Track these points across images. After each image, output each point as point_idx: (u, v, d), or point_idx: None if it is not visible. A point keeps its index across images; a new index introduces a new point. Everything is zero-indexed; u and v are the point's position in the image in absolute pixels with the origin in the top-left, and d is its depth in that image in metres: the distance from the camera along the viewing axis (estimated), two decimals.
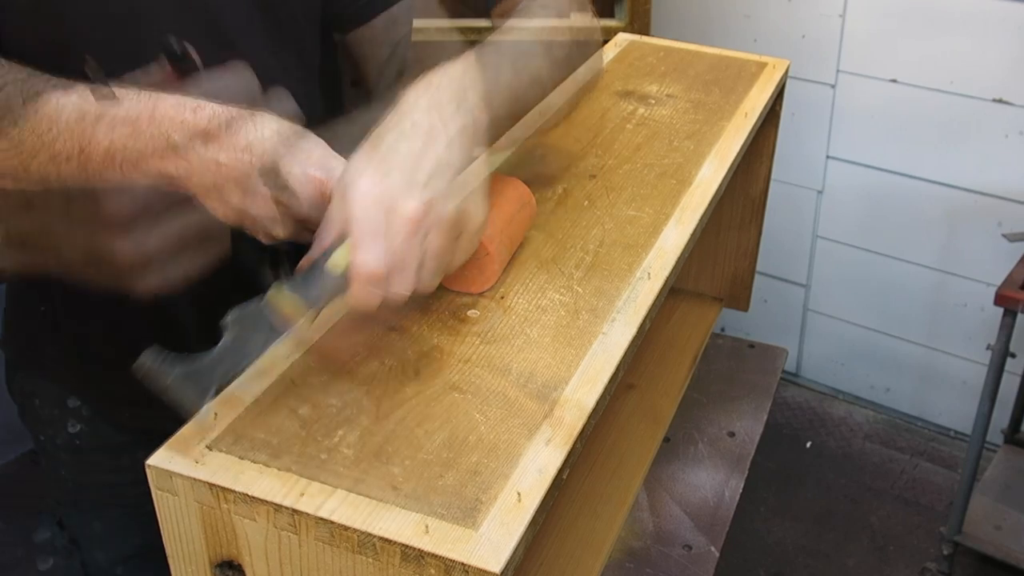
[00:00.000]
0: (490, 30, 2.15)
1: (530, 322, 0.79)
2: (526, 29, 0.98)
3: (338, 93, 1.10)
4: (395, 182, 0.68)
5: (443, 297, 0.82)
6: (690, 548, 1.15)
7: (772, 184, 1.42)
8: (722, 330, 2.80)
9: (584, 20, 1.01)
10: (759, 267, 1.53)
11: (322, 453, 0.65)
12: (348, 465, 0.64)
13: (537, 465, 0.65)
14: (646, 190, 1.00)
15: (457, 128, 0.74)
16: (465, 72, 0.80)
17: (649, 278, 0.85)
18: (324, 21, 1.04)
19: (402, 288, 0.68)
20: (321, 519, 0.60)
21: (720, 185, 1.02)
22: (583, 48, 1.00)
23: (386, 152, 0.70)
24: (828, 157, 2.62)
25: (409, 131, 0.72)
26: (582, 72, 1.27)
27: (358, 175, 0.68)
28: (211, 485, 0.62)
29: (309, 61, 1.02)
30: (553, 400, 0.71)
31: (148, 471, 0.64)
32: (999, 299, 1.93)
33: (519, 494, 0.63)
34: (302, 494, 0.62)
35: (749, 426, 1.35)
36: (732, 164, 1.07)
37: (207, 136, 0.70)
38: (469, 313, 0.80)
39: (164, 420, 0.67)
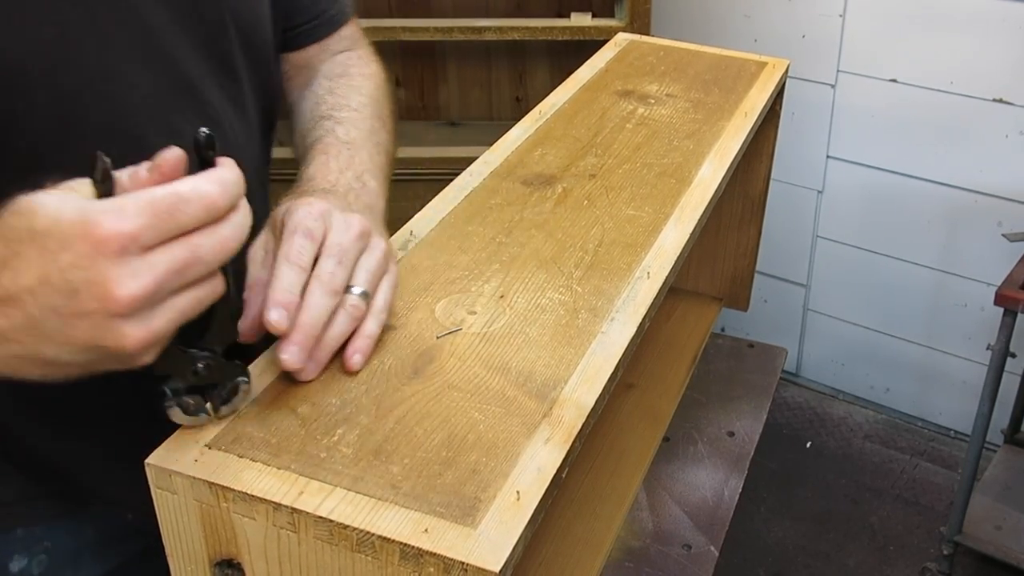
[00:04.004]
0: (490, 30, 2.14)
1: (529, 321, 0.79)
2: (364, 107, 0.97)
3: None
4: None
5: (442, 296, 0.82)
6: (689, 548, 1.15)
7: (772, 184, 1.42)
8: (722, 330, 2.80)
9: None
10: (759, 267, 1.54)
11: (321, 452, 0.65)
12: (347, 464, 0.64)
13: (536, 464, 0.65)
14: (646, 189, 1.00)
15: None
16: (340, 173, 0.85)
17: (648, 277, 0.85)
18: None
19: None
20: (320, 518, 0.60)
21: (720, 185, 1.02)
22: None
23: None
24: (828, 157, 2.62)
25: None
26: (583, 71, 1.27)
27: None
28: (210, 484, 0.62)
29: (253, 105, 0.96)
30: (552, 399, 0.71)
31: (147, 469, 0.64)
32: (999, 299, 1.92)
33: (518, 493, 0.63)
34: (301, 493, 0.62)
35: (749, 426, 1.35)
36: (732, 164, 1.07)
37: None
38: (468, 312, 0.80)
39: None
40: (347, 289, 0.72)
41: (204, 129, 0.59)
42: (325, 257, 0.70)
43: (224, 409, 0.67)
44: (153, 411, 0.66)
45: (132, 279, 0.54)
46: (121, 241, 0.54)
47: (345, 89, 0.98)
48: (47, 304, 0.55)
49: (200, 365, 0.65)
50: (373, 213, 0.82)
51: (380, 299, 0.75)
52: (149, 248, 0.55)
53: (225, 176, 0.58)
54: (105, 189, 0.57)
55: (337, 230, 0.73)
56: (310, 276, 0.70)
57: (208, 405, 0.66)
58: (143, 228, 0.54)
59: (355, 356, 0.72)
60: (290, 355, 0.67)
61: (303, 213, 0.72)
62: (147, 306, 0.56)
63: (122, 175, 0.58)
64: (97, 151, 0.57)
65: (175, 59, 0.80)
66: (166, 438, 0.66)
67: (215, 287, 0.61)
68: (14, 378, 0.59)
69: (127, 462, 0.70)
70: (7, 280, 0.55)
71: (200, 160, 0.59)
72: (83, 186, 0.57)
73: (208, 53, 0.84)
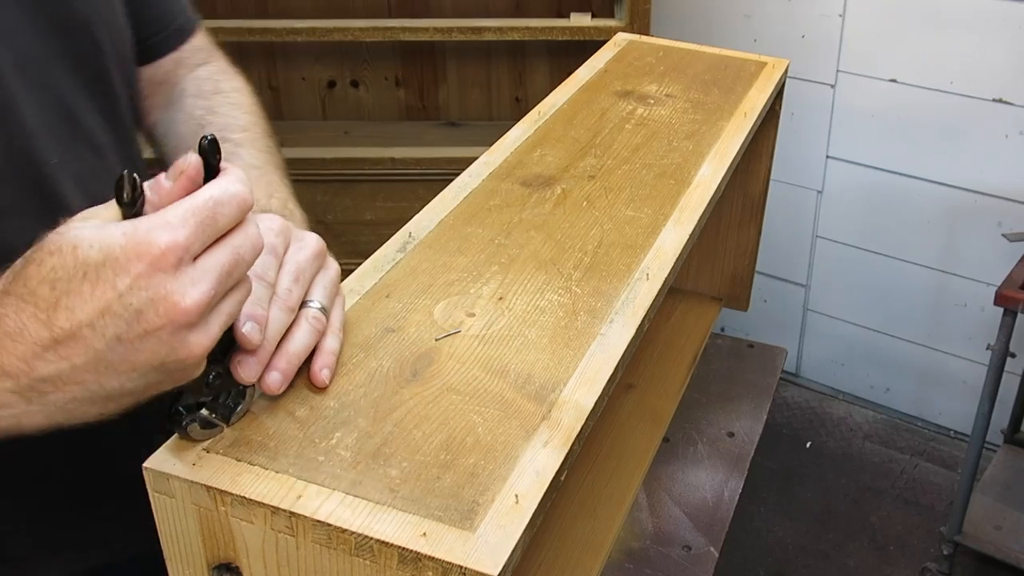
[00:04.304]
0: (490, 30, 2.14)
1: (528, 323, 0.79)
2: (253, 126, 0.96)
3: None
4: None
5: (441, 298, 0.81)
6: (689, 548, 1.14)
7: (772, 184, 1.42)
8: (722, 330, 2.80)
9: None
10: (759, 267, 1.53)
11: (319, 455, 0.65)
12: (345, 467, 0.64)
13: (535, 467, 0.65)
14: (645, 190, 0.99)
15: None
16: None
17: (648, 279, 0.85)
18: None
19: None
20: (318, 522, 0.60)
21: (719, 185, 1.02)
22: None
23: None
24: (828, 157, 2.62)
25: None
26: (583, 72, 1.27)
27: None
28: (208, 487, 0.62)
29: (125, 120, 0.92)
30: (551, 401, 0.71)
31: (145, 473, 0.64)
32: (999, 299, 1.92)
33: (517, 496, 0.62)
34: (299, 496, 0.61)
35: (749, 426, 1.35)
36: (731, 164, 1.07)
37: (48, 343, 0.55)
38: (467, 314, 0.80)
39: None
40: (306, 303, 0.72)
41: (208, 134, 0.59)
42: (283, 274, 0.70)
43: (234, 417, 0.67)
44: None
45: (193, 288, 0.55)
46: (177, 253, 0.54)
47: (226, 108, 0.96)
48: (111, 334, 0.54)
49: (212, 375, 0.64)
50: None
51: (335, 318, 0.74)
52: (197, 256, 0.56)
53: (243, 176, 0.59)
54: (133, 209, 0.56)
55: (296, 247, 0.72)
56: None
57: (214, 416, 0.66)
58: (192, 237, 0.55)
59: (323, 371, 0.71)
60: (246, 368, 0.66)
61: (264, 228, 0.70)
62: (208, 312, 0.57)
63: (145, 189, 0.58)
64: (123, 172, 0.56)
65: (54, 86, 0.80)
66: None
67: (249, 287, 0.61)
68: (62, 426, 0.58)
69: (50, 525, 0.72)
70: (63, 320, 0.54)
71: (206, 166, 0.59)
72: (107, 210, 0.57)
73: (85, 77, 0.83)
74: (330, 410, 0.69)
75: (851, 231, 2.68)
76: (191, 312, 0.55)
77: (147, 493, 0.65)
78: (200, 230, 0.55)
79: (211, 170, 0.59)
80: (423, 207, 0.95)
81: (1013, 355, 2.03)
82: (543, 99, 1.18)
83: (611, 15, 2.23)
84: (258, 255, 0.60)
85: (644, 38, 1.39)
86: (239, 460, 0.64)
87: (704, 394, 1.40)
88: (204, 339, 0.57)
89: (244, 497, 0.61)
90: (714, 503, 1.21)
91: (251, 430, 0.67)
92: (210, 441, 0.65)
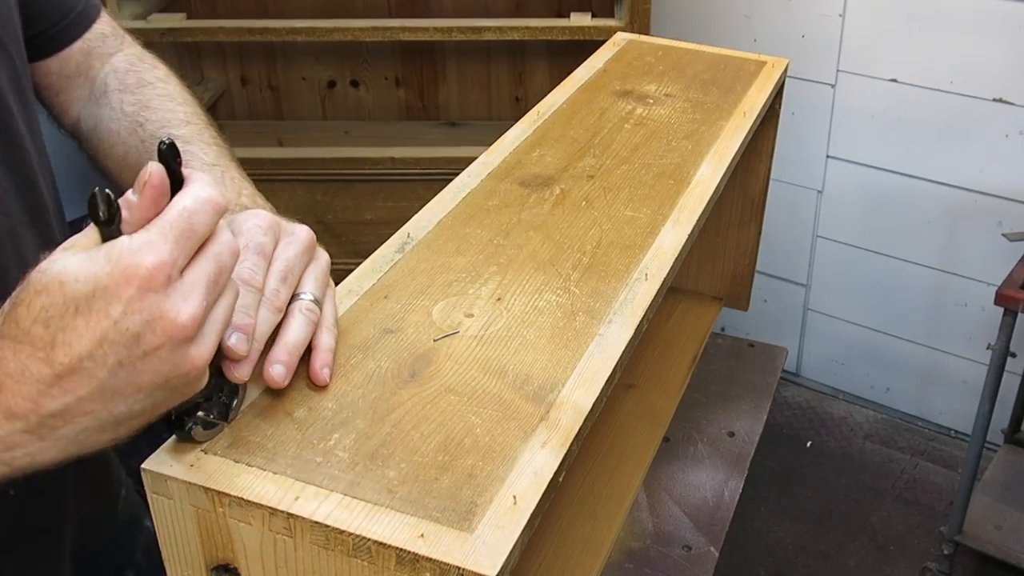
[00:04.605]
0: (490, 30, 2.13)
1: (527, 324, 0.79)
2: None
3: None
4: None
5: (439, 299, 0.81)
6: (689, 548, 1.14)
7: (772, 184, 1.42)
8: (722, 330, 2.80)
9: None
10: (759, 267, 1.53)
11: (317, 456, 0.64)
12: (343, 468, 0.64)
13: (533, 468, 0.65)
14: (644, 190, 0.99)
15: None
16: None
17: (647, 279, 0.85)
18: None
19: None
20: (316, 523, 0.60)
21: (718, 185, 1.02)
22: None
23: None
24: (828, 157, 2.62)
25: None
26: (582, 71, 1.27)
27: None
28: (206, 489, 0.62)
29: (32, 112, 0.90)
30: (549, 402, 0.71)
31: (143, 474, 0.64)
32: (999, 299, 1.92)
33: (515, 497, 0.62)
34: (297, 498, 0.61)
35: (749, 426, 1.35)
36: (730, 164, 1.07)
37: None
38: (465, 314, 0.79)
39: None
40: (298, 295, 0.71)
41: (165, 139, 0.59)
42: (271, 273, 0.70)
43: (232, 413, 0.67)
44: None
45: (185, 303, 0.55)
46: (165, 271, 0.54)
47: (159, 100, 0.94)
48: (112, 361, 0.54)
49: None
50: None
51: (328, 311, 0.74)
52: (182, 271, 0.56)
53: (209, 179, 0.59)
54: (111, 228, 0.56)
55: (285, 243, 0.72)
56: None
57: (212, 416, 0.66)
58: (175, 251, 0.55)
59: (323, 370, 0.71)
60: (239, 368, 0.66)
61: (251, 226, 0.71)
62: (202, 324, 0.57)
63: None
64: (95, 189, 0.55)
65: None
66: None
67: (236, 290, 0.62)
68: (75, 457, 0.59)
69: None
70: (61, 355, 0.54)
71: (168, 172, 0.58)
72: (85, 237, 0.56)
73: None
74: (328, 411, 0.68)
75: (851, 231, 2.67)
76: (188, 327, 0.55)
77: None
78: (181, 243, 0.56)
79: (174, 175, 0.58)
80: (423, 207, 0.95)
81: (1013, 355, 2.03)
82: (543, 99, 1.18)
83: (611, 15, 2.23)
84: (236, 259, 0.60)
85: (643, 37, 1.39)
86: (237, 461, 0.64)
87: (704, 394, 1.40)
88: (204, 351, 0.58)
89: (242, 498, 0.61)
90: (714, 503, 1.21)
91: (249, 431, 0.67)
92: (208, 442, 0.65)
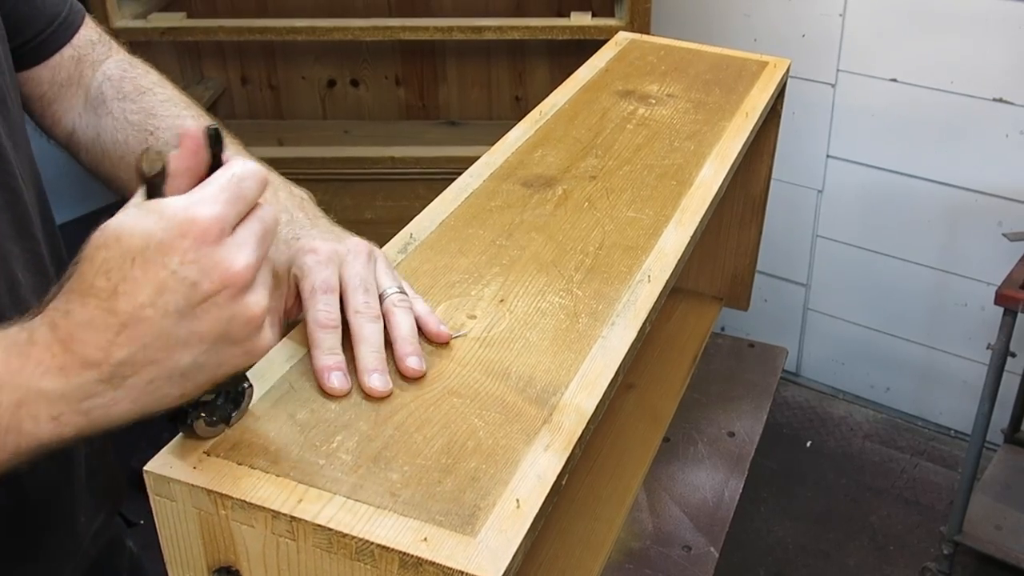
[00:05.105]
0: (490, 30, 2.13)
1: (529, 325, 0.79)
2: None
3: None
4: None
5: (442, 300, 0.81)
6: (690, 549, 1.14)
7: (772, 183, 1.42)
8: (722, 329, 2.80)
9: None
10: (759, 267, 1.53)
11: (320, 459, 0.64)
12: (346, 471, 0.63)
13: (536, 471, 0.65)
14: (646, 191, 0.99)
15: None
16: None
17: (649, 281, 0.85)
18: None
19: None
20: (319, 526, 0.60)
21: (721, 186, 1.02)
22: None
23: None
24: (828, 156, 2.61)
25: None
26: (584, 71, 1.27)
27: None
28: (209, 491, 0.62)
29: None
30: (552, 405, 0.71)
31: (146, 476, 0.64)
32: (999, 299, 1.92)
33: (518, 501, 0.62)
34: (300, 500, 0.61)
35: (749, 426, 1.35)
36: (733, 165, 1.06)
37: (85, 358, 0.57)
38: (468, 316, 0.79)
39: None
40: (383, 295, 0.76)
41: (212, 125, 0.61)
42: (352, 291, 0.75)
43: (235, 416, 0.67)
44: None
45: (239, 252, 0.58)
46: (219, 224, 0.57)
47: (164, 107, 0.94)
48: (171, 309, 0.56)
49: None
50: (333, 225, 0.84)
51: (420, 303, 0.78)
52: (233, 229, 0.59)
53: (253, 159, 0.63)
54: (162, 183, 0.59)
55: (349, 263, 0.77)
56: (348, 309, 0.75)
57: (215, 416, 0.66)
58: (227, 208, 0.58)
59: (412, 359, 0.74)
60: (378, 383, 0.70)
61: (311, 263, 0.76)
62: (257, 273, 0.59)
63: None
64: (146, 148, 0.59)
65: None
66: None
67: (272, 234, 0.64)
68: (148, 414, 0.60)
69: None
70: (124, 304, 0.56)
71: (211, 155, 0.60)
72: (139, 197, 0.59)
73: None
74: (331, 413, 0.68)
75: (851, 231, 2.67)
76: (243, 274, 0.58)
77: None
78: (232, 203, 0.58)
79: (215, 160, 0.61)
80: (423, 206, 0.95)
81: (1013, 355, 2.03)
82: (543, 98, 1.18)
83: (611, 14, 2.23)
84: (277, 229, 0.63)
85: (645, 37, 1.39)
86: (240, 464, 0.64)
87: (704, 394, 1.40)
88: (261, 300, 0.60)
89: (245, 501, 0.61)
90: (714, 503, 1.21)
91: (252, 434, 0.66)
92: (211, 444, 0.65)
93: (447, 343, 0.76)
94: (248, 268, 0.58)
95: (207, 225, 0.57)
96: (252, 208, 0.60)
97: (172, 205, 0.57)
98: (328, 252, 0.77)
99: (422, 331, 0.76)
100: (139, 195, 0.59)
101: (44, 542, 0.89)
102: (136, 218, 0.57)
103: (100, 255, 0.57)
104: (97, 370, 0.57)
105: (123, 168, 0.92)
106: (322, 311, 0.73)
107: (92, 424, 0.59)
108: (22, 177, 0.84)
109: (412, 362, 0.72)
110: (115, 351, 0.57)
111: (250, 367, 0.66)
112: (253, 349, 0.61)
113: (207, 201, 0.57)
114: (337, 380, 0.70)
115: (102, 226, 0.57)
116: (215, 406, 0.66)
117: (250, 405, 0.68)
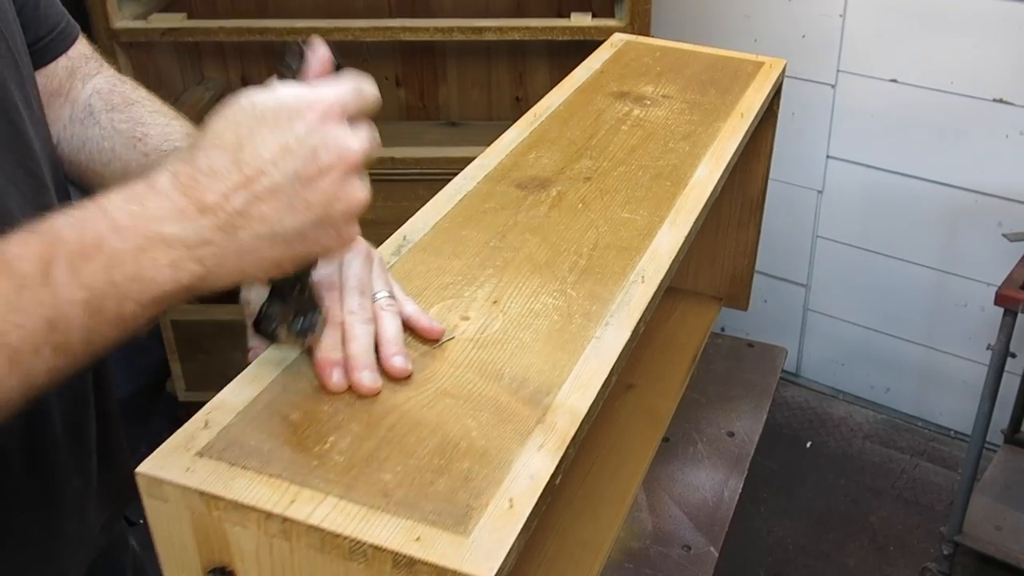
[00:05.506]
0: (490, 30, 2.12)
1: (523, 326, 0.79)
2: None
3: None
4: None
5: (435, 302, 0.81)
6: (689, 548, 1.14)
7: (772, 184, 1.42)
8: (722, 330, 2.80)
9: None
10: (759, 267, 1.53)
11: (313, 460, 0.65)
12: (339, 472, 0.64)
13: (529, 471, 0.65)
14: (641, 192, 0.99)
15: None
16: None
17: (643, 282, 0.85)
18: None
19: None
20: (312, 526, 0.60)
21: (715, 187, 1.02)
22: None
23: None
24: (828, 157, 2.61)
25: None
26: (579, 73, 1.27)
27: None
28: (201, 492, 0.62)
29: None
30: (545, 405, 0.71)
31: (138, 478, 0.64)
32: (999, 299, 1.92)
33: (511, 500, 0.62)
34: (293, 501, 0.61)
35: (749, 426, 1.35)
36: (728, 165, 1.06)
37: (201, 202, 0.60)
38: (462, 317, 0.80)
39: None
40: (373, 297, 0.77)
41: (296, 41, 0.67)
42: (350, 291, 0.76)
43: (310, 334, 0.71)
44: None
45: (355, 138, 0.63)
46: (343, 107, 0.63)
47: (152, 117, 0.95)
48: (290, 169, 0.61)
49: (297, 288, 0.70)
50: None
51: (400, 297, 0.79)
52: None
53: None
54: (294, 76, 0.66)
55: (348, 263, 0.78)
56: (343, 308, 0.76)
57: (292, 330, 0.71)
58: (350, 97, 0.64)
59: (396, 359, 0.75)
60: (368, 379, 0.71)
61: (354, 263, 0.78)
62: (363, 164, 0.64)
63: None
64: (285, 42, 0.66)
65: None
66: None
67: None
68: (246, 279, 0.64)
69: None
70: (248, 156, 0.60)
71: (294, 69, 0.66)
72: (276, 82, 0.65)
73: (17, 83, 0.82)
74: (324, 414, 0.69)
75: (851, 231, 2.67)
76: (358, 155, 0.63)
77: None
78: (354, 97, 0.64)
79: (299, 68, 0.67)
80: (423, 206, 0.95)
81: (1013, 355, 2.03)
82: (541, 100, 1.18)
83: (611, 15, 2.23)
84: (375, 148, 0.67)
85: (641, 38, 1.39)
86: (232, 464, 0.64)
87: (704, 394, 1.40)
88: (364, 190, 0.64)
89: (238, 502, 0.61)
90: (714, 503, 1.21)
91: (245, 435, 0.67)
92: (204, 445, 0.65)
93: (438, 341, 0.76)
94: (362, 151, 0.63)
95: (332, 103, 0.62)
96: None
97: (302, 87, 0.63)
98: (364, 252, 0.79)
99: (415, 329, 0.77)
100: (275, 79, 0.65)
101: (58, 525, 0.89)
102: (270, 90, 0.63)
103: (232, 114, 0.62)
104: (214, 216, 0.60)
105: (109, 175, 0.93)
106: (358, 306, 0.75)
107: (205, 274, 0.61)
108: (48, 169, 0.85)
109: (397, 361, 0.73)
110: (233, 199, 0.60)
111: (338, 255, 0.74)
112: (345, 235, 0.65)
113: (334, 88, 0.63)
114: (337, 376, 0.71)
115: (235, 95, 0.62)
116: (295, 319, 0.70)
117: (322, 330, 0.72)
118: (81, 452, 0.92)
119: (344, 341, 0.73)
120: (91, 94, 0.96)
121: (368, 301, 0.76)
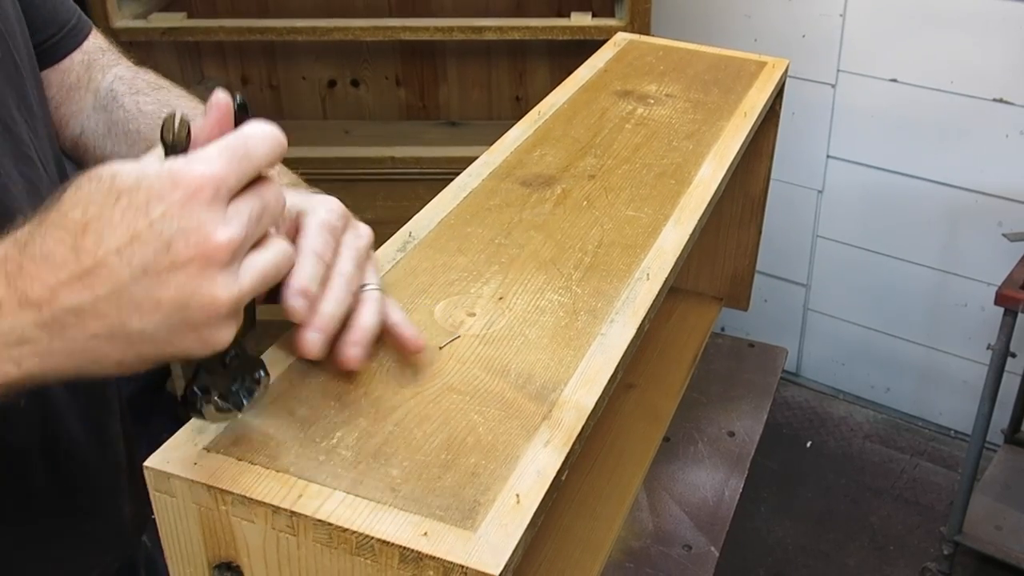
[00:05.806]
0: (490, 30, 2.13)
1: (529, 323, 0.79)
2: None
3: None
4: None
5: (441, 298, 0.81)
6: (690, 548, 1.14)
7: (772, 184, 1.42)
8: (722, 329, 2.80)
9: None
10: (759, 267, 1.53)
11: (320, 455, 0.65)
12: (346, 467, 0.64)
13: (536, 467, 0.65)
14: (645, 190, 0.99)
15: None
16: None
17: (648, 279, 0.85)
18: None
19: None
20: (319, 521, 0.60)
21: (719, 185, 1.02)
22: None
23: None
24: (828, 157, 2.62)
25: None
26: (583, 71, 1.27)
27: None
28: (209, 487, 0.62)
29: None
30: (552, 401, 0.71)
31: (146, 472, 0.64)
32: (999, 299, 1.93)
33: (518, 496, 0.62)
34: (300, 496, 0.61)
35: (749, 426, 1.35)
36: (731, 164, 1.07)
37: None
38: (467, 314, 0.80)
39: None
40: (364, 286, 0.72)
41: (239, 95, 0.59)
42: (346, 258, 0.70)
43: (247, 404, 0.66)
44: None
45: (225, 225, 0.53)
46: (214, 184, 0.53)
47: (179, 100, 0.93)
48: (138, 263, 0.52)
49: (229, 355, 0.63)
50: None
51: (397, 313, 0.75)
52: (231, 197, 0.55)
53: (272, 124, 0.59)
54: (179, 150, 0.56)
55: (355, 234, 0.73)
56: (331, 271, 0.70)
57: (227, 402, 0.66)
58: (228, 171, 0.54)
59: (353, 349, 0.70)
60: (312, 341, 0.66)
61: (325, 208, 0.71)
62: (238, 256, 0.55)
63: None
64: (171, 113, 0.56)
65: None
66: None
67: (281, 249, 0.59)
68: (83, 375, 0.56)
69: None
70: (90, 244, 0.52)
71: (237, 127, 0.59)
72: (152, 155, 0.56)
73: (13, 86, 0.82)
74: (331, 409, 0.69)
75: (851, 231, 2.68)
76: (222, 248, 0.53)
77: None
78: (235, 163, 0.54)
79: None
80: (423, 207, 0.95)
81: (1013, 355, 2.03)
82: (543, 99, 1.18)
83: (612, 15, 2.23)
84: (283, 208, 0.59)
85: (644, 38, 1.39)
86: (240, 459, 0.64)
87: (704, 394, 1.40)
88: (233, 287, 0.54)
89: (245, 496, 0.61)
90: (714, 503, 1.21)
91: (252, 430, 0.67)
92: (211, 440, 0.65)
93: (417, 352, 0.73)
94: (229, 242, 0.53)
95: (201, 182, 0.52)
96: (258, 178, 0.56)
97: (175, 161, 0.54)
98: (344, 211, 0.73)
99: (398, 337, 0.73)
100: (153, 154, 0.56)
101: (89, 528, 0.89)
102: (138, 164, 0.54)
103: (87, 187, 0.53)
104: (37, 311, 0.53)
105: (133, 157, 0.93)
106: (321, 243, 0.68)
107: (22, 375, 0.54)
108: (45, 173, 0.85)
109: (353, 351, 0.68)
110: (63, 294, 0.53)
111: (211, 356, 0.60)
112: (208, 339, 0.56)
113: (208, 158, 0.54)
114: (297, 302, 0.64)
115: (101, 165, 0.54)
116: (228, 392, 0.65)
117: (263, 396, 0.68)
118: (107, 452, 0.92)
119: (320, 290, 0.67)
120: (113, 80, 0.95)
121: (359, 277, 0.71)
